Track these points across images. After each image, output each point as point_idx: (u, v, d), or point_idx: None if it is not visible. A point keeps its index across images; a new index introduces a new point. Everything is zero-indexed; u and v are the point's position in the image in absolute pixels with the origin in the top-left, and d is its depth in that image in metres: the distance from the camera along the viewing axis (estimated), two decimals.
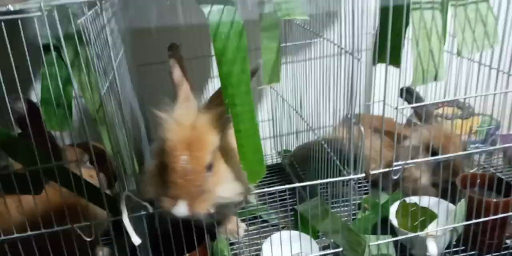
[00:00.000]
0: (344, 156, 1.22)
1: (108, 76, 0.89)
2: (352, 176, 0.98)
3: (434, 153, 1.13)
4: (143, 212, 0.85)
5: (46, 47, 0.75)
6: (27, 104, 0.78)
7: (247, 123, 0.79)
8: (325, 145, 1.38)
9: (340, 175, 1.28)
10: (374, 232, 1.15)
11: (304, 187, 1.56)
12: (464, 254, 1.11)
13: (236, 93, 0.76)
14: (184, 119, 0.86)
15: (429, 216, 1.02)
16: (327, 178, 1.39)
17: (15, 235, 0.82)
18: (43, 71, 0.79)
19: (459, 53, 0.90)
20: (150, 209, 0.84)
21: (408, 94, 1.27)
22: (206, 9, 0.71)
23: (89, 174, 0.99)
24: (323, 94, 1.50)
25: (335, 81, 1.25)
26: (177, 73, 0.93)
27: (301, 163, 1.62)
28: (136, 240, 0.78)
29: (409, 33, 0.91)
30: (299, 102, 1.67)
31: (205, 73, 1.64)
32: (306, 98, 1.66)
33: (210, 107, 0.89)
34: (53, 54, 0.77)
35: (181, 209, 0.82)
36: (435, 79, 0.89)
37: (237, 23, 0.74)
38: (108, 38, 0.83)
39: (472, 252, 1.11)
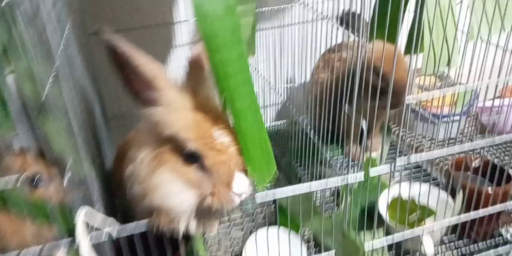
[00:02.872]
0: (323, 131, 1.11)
1: (54, 61, 0.71)
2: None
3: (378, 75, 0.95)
4: (105, 233, 0.69)
5: None
6: None
7: (250, 120, 0.64)
8: (301, 122, 1.26)
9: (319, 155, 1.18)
10: (358, 224, 1.06)
11: (280, 169, 1.46)
12: (458, 242, 1.07)
13: (234, 85, 0.61)
14: (183, 102, 0.72)
15: (425, 212, 0.94)
16: (305, 158, 1.30)
17: None
18: None
19: (472, 36, 0.78)
20: (114, 233, 0.69)
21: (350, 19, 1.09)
22: None
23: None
24: (298, 63, 1.36)
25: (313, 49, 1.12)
26: (145, 62, 0.69)
27: (277, 142, 1.50)
28: None
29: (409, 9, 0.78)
30: (272, 73, 1.53)
31: (167, 42, 1.45)
32: (279, 68, 1.52)
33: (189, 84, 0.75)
34: None
35: (242, 182, 0.70)
36: (448, 64, 0.77)
37: None
38: (46, 17, 0.63)
39: (465, 240, 1.07)
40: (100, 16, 1.31)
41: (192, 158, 0.70)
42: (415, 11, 0.77)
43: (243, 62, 0.61)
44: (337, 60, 1.26)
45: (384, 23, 0.79)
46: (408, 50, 0.80)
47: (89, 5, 1.27)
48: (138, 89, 0.70)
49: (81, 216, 0.65)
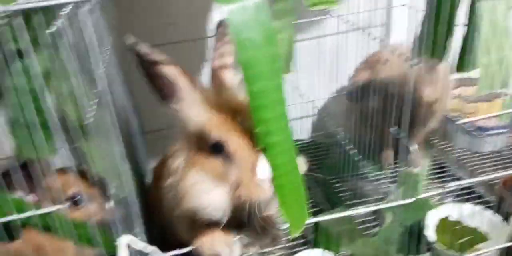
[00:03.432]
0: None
1: (96, 84, 0.71)
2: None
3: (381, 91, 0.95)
4: None
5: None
6: None
7: (285, 156, 0.62)
8: (339, 134, 1.23)
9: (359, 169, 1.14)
10: (400, 245, 1.01)
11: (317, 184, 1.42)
12: None
13: (270, 117, 0.59)
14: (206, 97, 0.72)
15: (477, 237, 0.88)
16: (343, 172, 1.26)
17: None
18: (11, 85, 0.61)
19: None
20: None
21: None
22: (226, 7, 0.52)
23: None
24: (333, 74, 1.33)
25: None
26: (166, 63, 0.69)
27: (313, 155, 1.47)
28: None
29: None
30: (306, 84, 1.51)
31: (201, 56, 1.44)
32: (314, 79, 1.50)
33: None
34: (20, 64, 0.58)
35: (266, 167, 0.65)
36: (502, 86, 0.73)
37: (267, 24, 0.55)
38: (89, 40, 0.63)
39: None
40: (135, 31, 1.32)
41: (217, 148, 0.69)
42: (468, 26, 0.73)
43: (280, 94, 0.59)
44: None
45: (432, 38, 0.76)
46: (459, 68, 0.76)
47: (123, 20, 1.28)
48: (165, 91, 0.71)
49: (123, 244, 0.64)
